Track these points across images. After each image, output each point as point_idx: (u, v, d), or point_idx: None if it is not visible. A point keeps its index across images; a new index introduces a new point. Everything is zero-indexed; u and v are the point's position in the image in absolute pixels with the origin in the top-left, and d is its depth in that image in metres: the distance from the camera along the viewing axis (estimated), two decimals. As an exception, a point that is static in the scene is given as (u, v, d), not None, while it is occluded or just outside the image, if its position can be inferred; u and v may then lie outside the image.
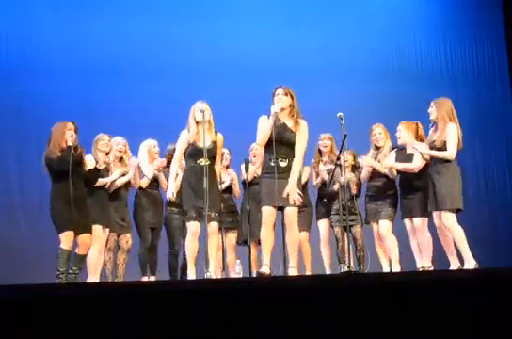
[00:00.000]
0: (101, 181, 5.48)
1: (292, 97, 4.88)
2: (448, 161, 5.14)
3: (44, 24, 8.06)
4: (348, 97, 8.11)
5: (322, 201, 6.01)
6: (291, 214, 4.78)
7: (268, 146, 4.82)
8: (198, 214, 4.92)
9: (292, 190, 4.74)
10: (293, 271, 4.77)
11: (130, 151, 5.97)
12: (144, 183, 5.95)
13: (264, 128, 4.81)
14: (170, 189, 5.12)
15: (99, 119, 7.40)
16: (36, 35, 8.02)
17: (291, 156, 4.82)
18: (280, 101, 4.82)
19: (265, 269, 4.74)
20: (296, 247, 4.85)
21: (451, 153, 5.11)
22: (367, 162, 5.69)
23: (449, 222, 5.07)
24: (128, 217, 5.91)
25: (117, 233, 5.78)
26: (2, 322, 3.04)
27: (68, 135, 5.01)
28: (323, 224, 6.01)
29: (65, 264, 4.90)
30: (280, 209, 4.81)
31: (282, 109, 4.82)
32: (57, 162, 4.94)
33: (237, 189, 6.18)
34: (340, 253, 5.80)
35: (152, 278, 5.91)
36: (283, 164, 4.78)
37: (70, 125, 5.07)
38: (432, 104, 5.29)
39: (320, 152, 6.04)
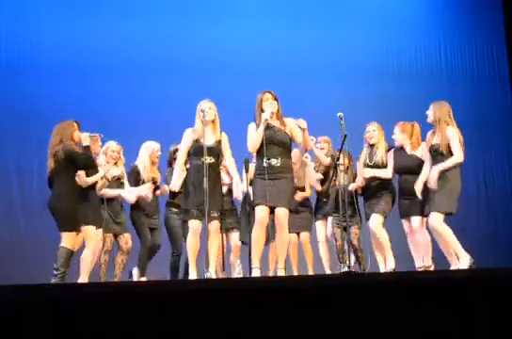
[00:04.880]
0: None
1: (278, 100, 4.97)
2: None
3: (44, 24, 8.07)
4: (348, 97, 8.11)
5: (321, 201, 6.02)
6: (281, 215, 4.80)
7: (260, 148, 4.87)
8: (199, 212, 4.92)
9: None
10: (281, 272, 4.83)
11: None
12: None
13: (254, 135, 4.87)
14: (175, 184, 5.09)
15: (99, 119, 7.39)
16: (36, 35, 8.03)
17: (283, 156, 4.87)
18: (272, 106, 4.90)
19: (257, 273, 4.76)
20: (285, 248, 4.89)
21: (458, 156, 5.09)
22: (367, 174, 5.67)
23: (436, 222, 5.02)
24: (123, 217, 5.87)
25: (113, 233, 5.75)
26: (2, 322, 3.04)
27: (82, 135, 5.09)
28: (320, 225, 6.02)
29: (66, 264, 4.92)
30: (272, 210, 4.84)
31: (273, 114, 4.89)
32: (84, 158, 5.02)
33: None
34: (339, 254, 5.80)
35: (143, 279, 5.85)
36: (276, 164, 4.81)
37: (75, 125, 5.17)
38: (431, 106, 5.29)
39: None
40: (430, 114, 5.25)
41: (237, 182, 5.25)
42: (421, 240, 5.42)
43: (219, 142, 5.07)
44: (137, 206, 5.90)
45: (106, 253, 5.72)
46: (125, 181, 5.85)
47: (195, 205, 4.94)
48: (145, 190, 5.76)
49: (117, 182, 5.79)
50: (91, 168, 5.18)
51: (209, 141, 4.95)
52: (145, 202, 5.87)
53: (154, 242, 5.95)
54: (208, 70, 8.19)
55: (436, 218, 5.02)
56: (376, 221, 5.53)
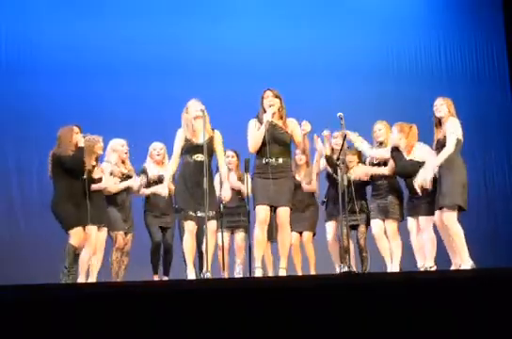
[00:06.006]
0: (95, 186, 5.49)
1: (280, 98, 4.94)
2: (452, 156, 5.14)
3: (44, 24, 8.07)
4: (348, 97, 8.11)
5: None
6: (283, 214, 4.79)
7: (261, 146, 4.84)
8: (193, 212, 4.90)
9: None
10: (282, 272, 4.80)
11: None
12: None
13: (255, 135, 4.85)
14: (164, 187, 5.11)
15: (99, 119, 7.40)
16: (36, 35, 8.03)
17: (284, 155, 4.86)
18: (272, 103, 4.86)
19: (260, 273, 4.76)
20: (287, 248, 4.88)
21: (448, 148, 5.11)
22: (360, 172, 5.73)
23: (448, 220, 5.06)
24: (131, 217, 5.90)
25: (124, 232, 5.78)
26: (2, 322, 3.04)
27: (78, 137, 5.15)
28: (330, 225, 5.92)
29: (73, 262, 4.97)
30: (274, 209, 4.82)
31: (274, 114, 4.86)
32: (70, 160, 5.05)
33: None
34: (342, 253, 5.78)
35: (165, 278, 5.87)
36: (277, 163, 4.81)
37: (76, 129, 5.21)
38: (438, 101, 5.30)
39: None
40: (441, 109, 5.26)
41: (224, 181, 5.11)
42: (426, 239, 5.41)
43: (211, 139, 5.04)
44: (148, 206, 5.96)
45: (118, 251, 5.71)
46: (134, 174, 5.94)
47: (189, 206, 4.92)
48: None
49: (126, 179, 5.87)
50: (78, 170, 5.13)
51: (202, 139, 4.90)
52: (156, 202, 5.88)
53: (166, 242, 5.94)
54: (208, 70, 8.18)
55: (449, 216, 5.06)
56: (393, 227, 5.59)
